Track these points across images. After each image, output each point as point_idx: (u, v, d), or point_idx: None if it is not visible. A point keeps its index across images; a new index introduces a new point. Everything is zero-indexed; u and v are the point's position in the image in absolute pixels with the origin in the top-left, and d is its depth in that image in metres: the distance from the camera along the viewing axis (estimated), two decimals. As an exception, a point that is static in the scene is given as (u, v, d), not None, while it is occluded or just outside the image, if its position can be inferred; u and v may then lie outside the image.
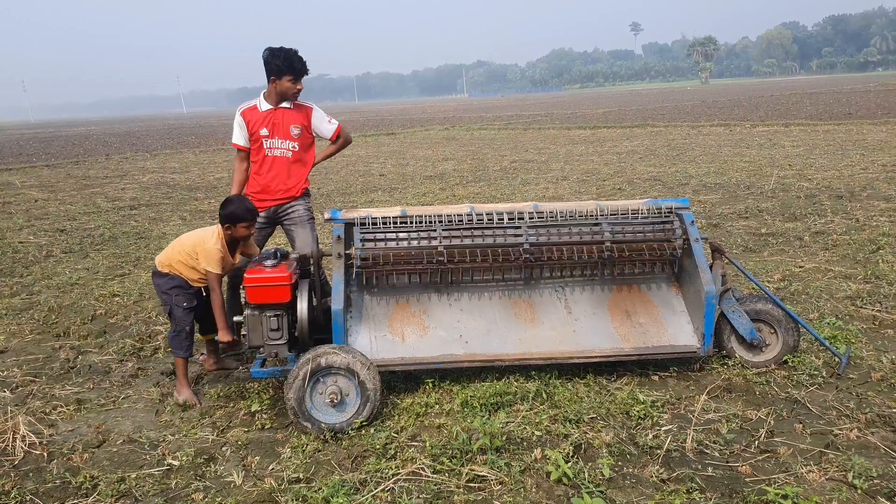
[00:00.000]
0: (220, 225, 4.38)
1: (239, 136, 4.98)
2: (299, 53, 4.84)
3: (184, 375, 4.39)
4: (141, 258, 8.39)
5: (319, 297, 4.35)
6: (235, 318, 4.29)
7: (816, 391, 4.10)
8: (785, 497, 3.02)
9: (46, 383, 4.76)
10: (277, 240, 8.94)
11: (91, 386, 4.70)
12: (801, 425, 3.70)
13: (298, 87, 4.87)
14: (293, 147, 4.96)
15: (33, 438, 3.89)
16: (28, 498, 3.36)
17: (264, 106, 4.91)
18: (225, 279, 4.70)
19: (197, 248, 4.34)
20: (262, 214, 4.93)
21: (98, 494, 3.36)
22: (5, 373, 4.97)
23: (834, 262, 6.75)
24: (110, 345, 5.46)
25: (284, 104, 4.91)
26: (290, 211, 5.04)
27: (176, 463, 3.62)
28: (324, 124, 5.11)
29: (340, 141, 5.28)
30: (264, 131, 4.89)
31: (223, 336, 4.31)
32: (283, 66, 4.75)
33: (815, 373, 4.30)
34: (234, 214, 4.34)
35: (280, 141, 4.92)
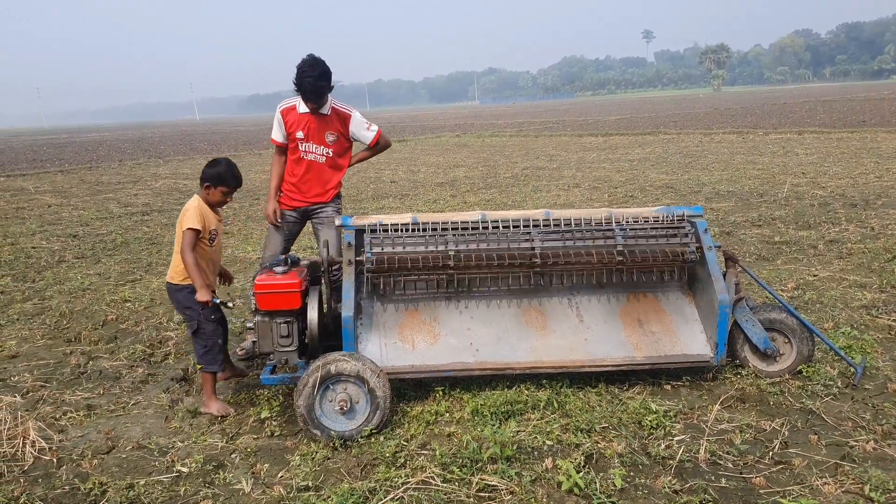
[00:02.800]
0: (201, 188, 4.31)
1: (278, 133, 5.02)
2: (317, 80, 4.75)
3: (212, 389, 4.32)
4: (153, 264, 8.42)
5: (330, 303, 4.33)
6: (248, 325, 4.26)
7: (831, 402, 4.05)
8: (800, 510, 2.98)
9: (57, 388, 4.77)
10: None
11: (101, 391, 4.70)
12: (816, 436, 3.65)
13: (308, 105, 4.87)
14: (327, 153, 4.99)
15: (43, 444, 3.89)
16: (37, 504, 3.35)
17: (302, 108, 4.91)
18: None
19: (183, 225, 4.19)
20: (294, 211, 5.11)
21: (107, 501, 3.35)
22: (16, 378, 4.98)
23: (849, 271, 6.68)
24: (121, 350, 5.47)
25: (323, 109, 4.91)
26: (320, 212, 5.13)
27: (185, 470, 3.60)
28: (362, 131, 5.07)
29: (379, 147, 5.25)
30: (300, 134, 4.92)
31: (201, 296, 4.11)
32: (298, 86, 4.79)
33: (831, 383, 4.24)
34: (219, 176, 4.26)
35: (315, 146, 4.96)
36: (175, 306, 4.46)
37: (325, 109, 4.92)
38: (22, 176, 21.05)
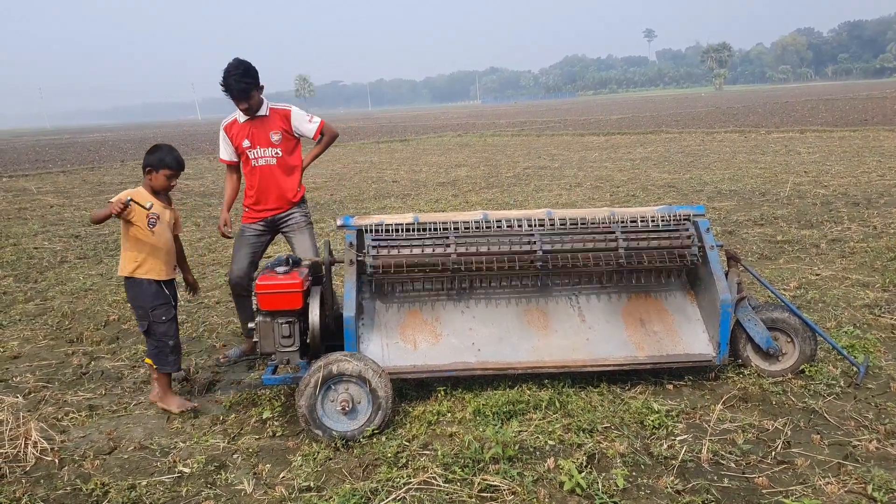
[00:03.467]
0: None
1: (224, 152, 5.03)
2: (241, 78, 4.70)
3: (166, 386, 4.32)
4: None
5: (331, 303, 4.33)
6: (250, 325, 4.25)
7: (834, 401, 4.04)
8: (803, 510, 2.97)
9: (59, 389, 4.77)
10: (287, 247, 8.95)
11: (103, 392, 4.70)
12: (818, 436, 3.64)
13: (240, 107, 4.81)
14: (276, 153, 4.91)
15: (45, 444, 3.89)
16: (39, 504, 3.35)
17: (242, 118, 4.89)
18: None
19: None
20: (260, 223, 5.02)
21: (109, 501, 3.35)
22: (18, 378, 4.98)
23: (851, 270, 6.67)
24: (122, 351, 5.47)
25: (261, 112, 4.86)
26: (287, 219, 5.05)
27: (187, 470, 3.60)
28: (305, 124, 4.98)
29: (325, 138, 5.13)
30: (246, 142, 4.88)
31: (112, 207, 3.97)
32: (224, 86, 4.76)
33: (833, 382, 4.23)
34: (161, 160, 4.23)
35: (262, 149, 4.89)
36: (130, 302, 4.42)
37: (264, 111, 4.88)
38: (24, 176, 21.08)
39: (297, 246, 5.00)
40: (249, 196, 5.01)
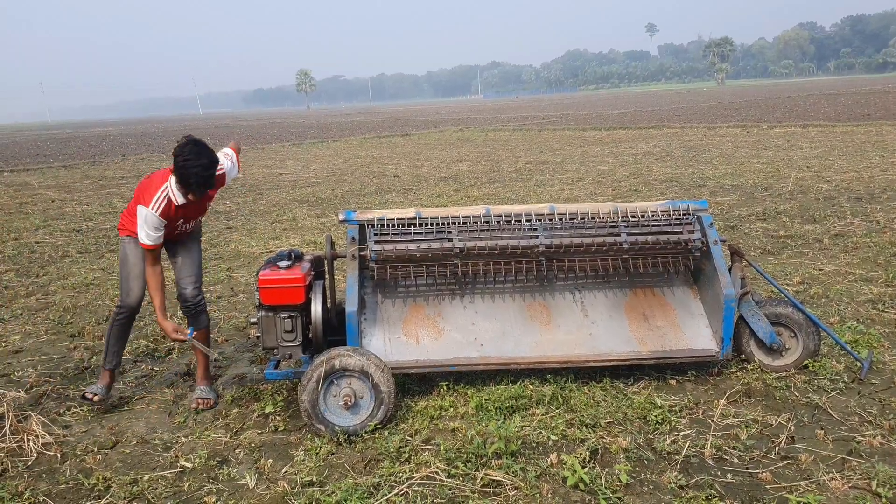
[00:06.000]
0: None
1: (154, 238, 4.02)
2: (202, 173, 3.87)
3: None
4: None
5: (333, 298, 4.32)
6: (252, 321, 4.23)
7: (838, 396, 4.03)
8: (807, 505, 2.96)
9: (60, 384, 4.77)
10: (289, 242, 8.94)
11: (105, 386, 4.69)
12: (822, 431, 3.63)
13: (191, 198, 3.98)
14: (206, 213, 4.43)
15: (48, 439, 3.89)
16: (41, 499, 3.35)
17: (180, 199, 4.02)
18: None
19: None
20: None
21: (111, 496, 3.34)
22: (20, 373, 4.98)
23: (854, 265, 6.65)
24: (125, 345, 5.45)
25: None
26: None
27: (189, 465, 3.60)
28: (232, 172, 4.44)
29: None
30: (181, 220, 4.18)
31: None
32: (180, 177, 3.90)
33: (837, 378, 4.22)
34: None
35: (194, 221, 4.33)
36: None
37: None
38: (26, 171, 21.08)
39: (185, 259, 4.39)
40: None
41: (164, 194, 3.99)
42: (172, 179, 3.98)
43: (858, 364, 4.34)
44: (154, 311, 4.19)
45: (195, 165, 3.82)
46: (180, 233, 4.28)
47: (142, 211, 3.96)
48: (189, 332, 4.16)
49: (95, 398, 4.26)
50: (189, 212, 4.16)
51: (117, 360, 4.42)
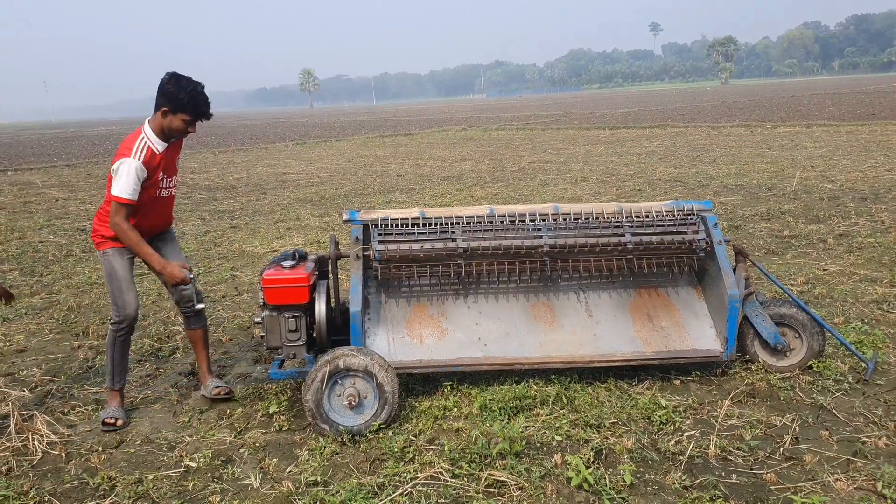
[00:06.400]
0: None
1: (134, 191, 3.89)
2: (205, 93, 3.99)
3: None
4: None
5: (337, 298, 4.32)
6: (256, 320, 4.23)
7: (843, 397, 4.02)
8: (812, 506, 2.95)
9: (65, 383, 4.78)
10: (292, 241, 8.95)
11: (109, 386, 4.70)
12: (827, 432, 3.63)
13: (191, 130, 4.02)
14: (176, 181, 4.31)
15: (53, 438, 3.90)
16: (46, 498, 3.35)
17: (160, 146, 3.98)
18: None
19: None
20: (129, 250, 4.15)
21: (115, 496, 3.35)
22: (24, 372, 4.99)
23: (859, 266, 6.63)
24: (129, 345, 5.46)
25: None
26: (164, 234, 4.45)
27: (193, 464, 3.60)
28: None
29: None
30: (162, 174, 4.07)
31: None
32: (187, 102, 3.90)
33: (842, 378, 4.21)
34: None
35: (169, 179, 4.17)
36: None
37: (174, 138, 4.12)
38: (29, 170, 21.12)
39: (171, 256, 4.27)
40: (139, 227, 4.05)
41: (144, 143, 3.93)
42: (148, 130, 3.96)
43: (863, 365, 4.33)
44: (149, 266, 4.06)
45: (198, 86, 3.93)
46: (162, 206, 4.21)
47: (125, 162, 3.87)
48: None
49: (119, 422, 4.07)
50: (168, 162, 4.07)
51: (126, 377, 4.28)
